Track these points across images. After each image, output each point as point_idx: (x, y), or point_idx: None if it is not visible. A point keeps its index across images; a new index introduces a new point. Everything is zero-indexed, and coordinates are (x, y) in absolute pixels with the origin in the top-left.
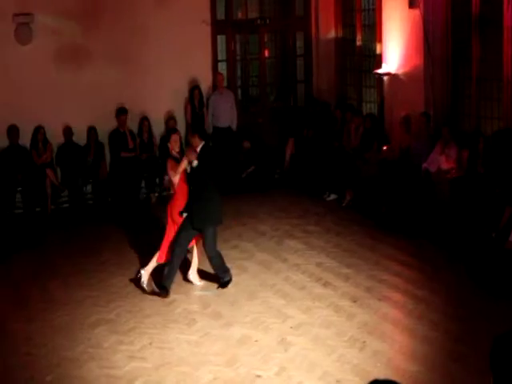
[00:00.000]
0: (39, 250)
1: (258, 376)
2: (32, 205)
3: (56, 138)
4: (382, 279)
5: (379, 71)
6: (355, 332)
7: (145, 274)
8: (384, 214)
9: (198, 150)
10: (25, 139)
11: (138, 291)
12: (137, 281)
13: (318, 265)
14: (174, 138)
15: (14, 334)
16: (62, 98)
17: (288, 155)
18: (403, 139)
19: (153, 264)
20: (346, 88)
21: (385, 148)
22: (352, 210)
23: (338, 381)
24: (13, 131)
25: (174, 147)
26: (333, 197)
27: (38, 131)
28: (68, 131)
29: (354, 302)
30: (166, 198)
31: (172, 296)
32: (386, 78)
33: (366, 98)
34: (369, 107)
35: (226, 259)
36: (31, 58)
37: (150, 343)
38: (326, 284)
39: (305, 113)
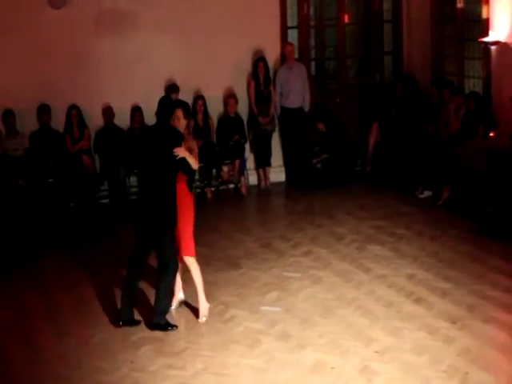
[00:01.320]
0: (73, 252)
1: None
2: (65, 199)
3: (94, 120)
4: (487, 296)
5: (485, 40)
6: (455, 360)
7: (203, 307)
8: (491, 215)
9: None
10: (58, 121)
11: (192, 305)
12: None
13: (409, 277)
14: (178, 113)
15: (44, 352)
16: (102, 73)
17: (372, 143)
18: None
19: (199, 285)
20: (444, 61)
21: (492, 134)
22: (450, 211)
23: None
24: (44, 111)
25: (178, 126)
26: (427, 194)
27: (71, 112)
28: (108, 112)
29: (453, 323)
30: (224, 194)
31: (232, 311)
32: (493, 47)
33: (469, 72)
34: (472, 84)
35: (297, 267)
36: (65, 25)
37: (205, 368)
38: (418, 300)
39: (393, 91)
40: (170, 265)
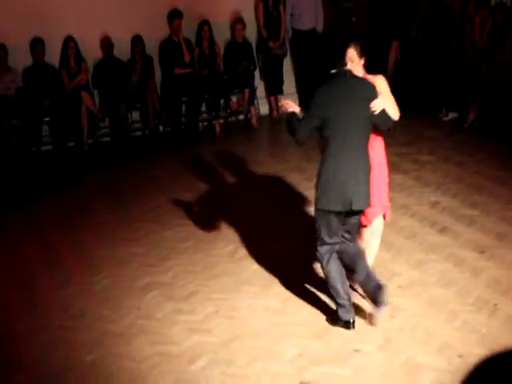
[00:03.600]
0: (73, 194)
1: (356, 350)
2: (64, 139)
3: (92, 52)
4: None
5: None
6: (483, 292)
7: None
8: None
9: None
10: (52, 55)
11: (199, 245)
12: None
13: (433, 205)
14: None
15: (45, 301)
16: (98, 1)
17: (392, 62)
18: None
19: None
20: None
21: None
22: (477, 133)
23: (460, 355)
24: (37, 45)
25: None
26: (452, 116)
27: (68, 44)
28: (107, 43)
29: (482, 252)
30: (233, 126)
31: (244, 251)
32: None
33: None
34: None
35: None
36: None
37: (216, 311)
38: (443, 230)
39: (414, 6)
40: None
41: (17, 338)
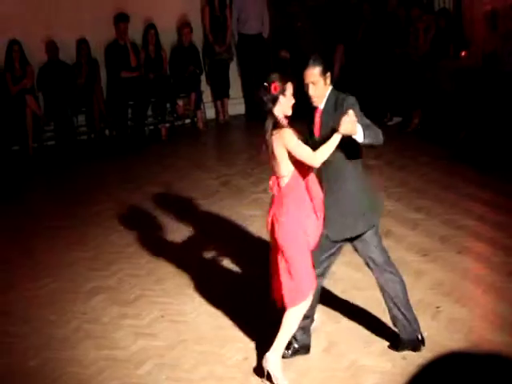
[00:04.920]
0: (18, 199)
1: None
2: (8, 142)
3: (36, 55)
4: (460, 225)
5: None
6: (426, 294)
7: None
8: (463, 140)
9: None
10: None
11: (145, 249)
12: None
13: None
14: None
15: None
16: (43, 4)
17: (337, 67)
18: (488, 41)
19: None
20: None
21: (464, 53)
22: (421, 137)
23: (403, 357)
24: None
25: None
26: (396, 120)
27: (13, 48)
28: (52, 46)
29: (425, 255)
30: (180, 130)
31: (188, 255)
32: None
33: None
34: (442, 1)
35: (258, 204)
36: None
37: (162, 316)
38: (387, 233)
39: (357, 11)
40: None
41: None
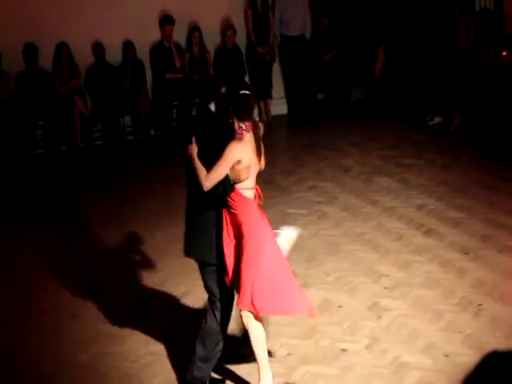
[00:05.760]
0: (66, 198)
1: (344, 350)
2: (57, 142)
3: (84, 57)
4: (501, 224)
5: None
6: (468, 293)
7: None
8: (504, 139)
9: None
10: (46, 61)
11: None
12: None
13: (419, 208)
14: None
15: (40, 303)
16: (90, 7)
17: (378, 67)
18: None
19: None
20: None
21: (505, 53)
22: (462, 137)
23: (446, 355)
24: (30, 51)
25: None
26: (437, 120)
27: (61, 50)
28: (98, 49)
29: (466, 254)
30: None
31: None
32: None
33: None
34: (483, 1)
35: (301, 203)
36: None
37: None
38: (429, 232)
39: (398, 12)
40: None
41: (12, 339)
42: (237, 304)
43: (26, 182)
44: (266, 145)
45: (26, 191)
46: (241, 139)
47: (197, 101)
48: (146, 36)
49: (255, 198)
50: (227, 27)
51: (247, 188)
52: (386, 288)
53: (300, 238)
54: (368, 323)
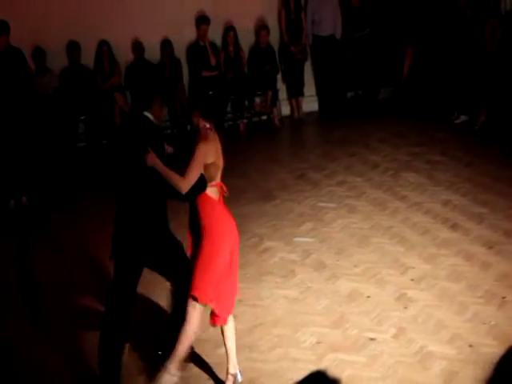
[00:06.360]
0: (107, 192)
1: (372, 339)
2: (98, 136)
3: (124, 55)
4: None
5: None
6: (492, 285)
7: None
8: None
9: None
10: (88, 58)
11: None
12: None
13: (445, 203)
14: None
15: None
16: (130, 7)
17: (406, 68)
18: None
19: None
20: None
21: None
22: (487, 135)
23: (470, 345)
24: (73, 48)
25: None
26: (462, 118)
27: (102, 48)
28: (138, 46)
29: (491, 248)
30: (257, 125)
31: (267, 243)
32: None
33: None
34: (509, 3)
35: (331, 197)
36: None
37: (241, 300)
38: (454, 226)
39: (426, 14)
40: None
41: None
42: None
43: (69, 173)
44: (298, 141)
45: (69, 181)
46: (206, 139)
47: (231, 97)
48: (183, 35)
49: (220, 194)
50: (261, 27)
51: (212, 185)
52: (412, 280)
53: (329, 231)
54: (395, 313)
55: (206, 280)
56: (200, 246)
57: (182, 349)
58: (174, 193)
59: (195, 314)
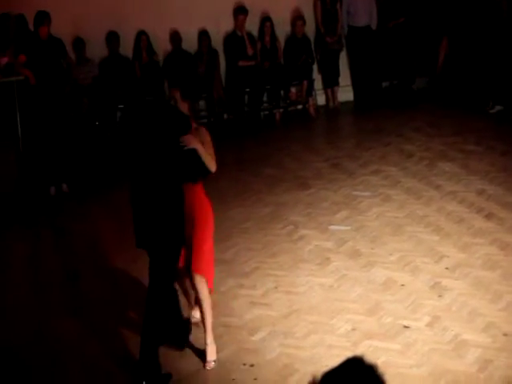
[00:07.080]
0: None
1: (406, 327)
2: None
3: (162, 45)
4: None
5: None
6: None
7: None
8: None
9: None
10: (127, 48)
11: (261, 225)
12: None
13: (480, 192)
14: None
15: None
16: None
17: (441, 57)
18: None
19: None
20: None
21: None
22: None
23: (505, 334)
24: (112, 38)
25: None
26: (497, 108)
27: (141, 38)
28: (175, 37)
29: None
30: (292, 115)
31: (302, 231)
32: None
33: None
34: None
35: (366, 185)
36: None
37: (276, 287)
38: (489, 216)
39: (461, 4)
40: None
41: None
42: (193, 270)
43: (107, 162)
44: (333, 130)
45: (107, 170)
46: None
47: (267, 87)
48: (221, 25)
49: None
50: (297, 18)
51: None
52: (447, 268)
53: (364, 220)
54: (429, 302)
55: (210, 260)
56: (199, 226)
57: (210, 319)
58: (187, 176)
59: (206, 288)
